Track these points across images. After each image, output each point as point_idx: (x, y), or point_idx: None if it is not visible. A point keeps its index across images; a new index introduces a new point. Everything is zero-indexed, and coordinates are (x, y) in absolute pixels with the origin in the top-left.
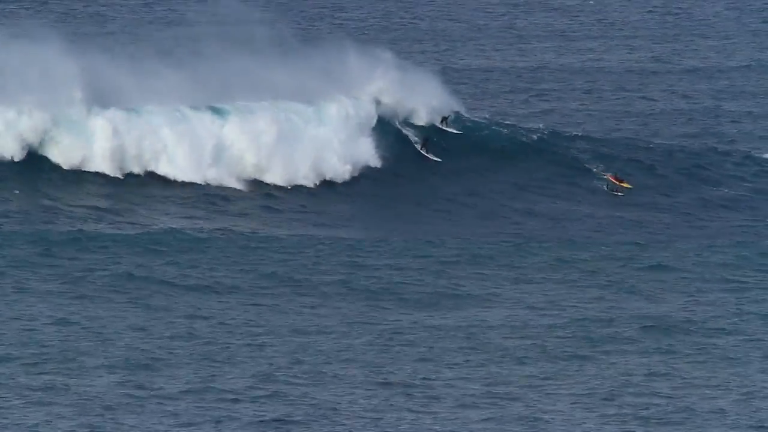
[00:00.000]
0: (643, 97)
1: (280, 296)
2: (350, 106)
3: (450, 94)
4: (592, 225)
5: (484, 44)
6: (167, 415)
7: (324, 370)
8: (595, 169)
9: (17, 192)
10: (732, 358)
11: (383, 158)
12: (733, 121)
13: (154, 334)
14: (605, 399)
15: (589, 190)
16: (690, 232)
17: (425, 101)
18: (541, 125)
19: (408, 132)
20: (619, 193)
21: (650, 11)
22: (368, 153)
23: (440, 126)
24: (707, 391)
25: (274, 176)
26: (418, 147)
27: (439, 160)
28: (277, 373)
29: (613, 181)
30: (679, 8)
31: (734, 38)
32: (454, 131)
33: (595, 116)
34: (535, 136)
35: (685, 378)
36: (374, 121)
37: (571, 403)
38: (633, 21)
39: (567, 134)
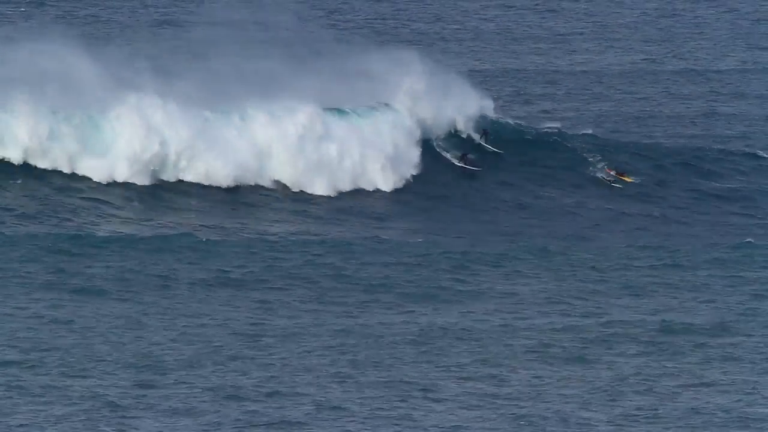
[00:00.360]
0: (640, 99)
1: (282, 295)
2: (382, 114)
3: (483, 96)
4: (592, 224)
5: (477, 47)
6: (168, 414)
7: (324, 370)
8: (591, 158)
9: (19, 181)
10: (734, 358)
11: (408, 161)
12: (731, 122)
13: (156, 334)
14: (604, 399)
15: (589, 190)
16: (690, 231)
17: (460, 108)
18: (538, 125)
19: (442, 143)
20: (617, 185)
21: (644, 13)
22: (398, 159)
23: (480, 142)
24: (707, 391)
25: (307, 181)
26: (456, 161)
27: (479, 168)
28: (277, 374)
29: (611, 173)
30: (675, 10)
31: (730, 40)
32: (495, 150)
33: (589, 117)
34: (534, 134)
35: (685, 378)
36: (407, 129)
37: (571, 404)
38: (627, 23)
39: (564, 133)
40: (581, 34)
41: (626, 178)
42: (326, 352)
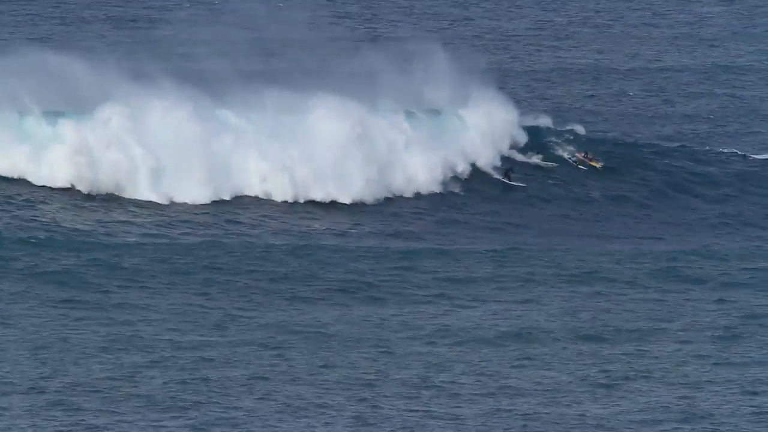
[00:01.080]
0: (620, 97)
1: (273, 299)
2: (411, 119)
3: (510, 102)
4: (580, 224)
5: (467, 46)
6: (140, 410)
7: (320, 371)
8: (560, 142)
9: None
10: (731, 358)
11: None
12: (710, 121)
13: (143, 338)
14: (598, 402)
15: (557, 180)
16: (649, 225)
17: (488, 116)
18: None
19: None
20: (583, 168)
21: (633, 10)
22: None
23: (504, 180)
24: (702, 391)
25: (329, 186)
26: (501, 177)
27: (524, 185)
28: (270, 373)
29: (582, 158)
30: (620, 9)
31: (686, 39)
32: (519, 184)
33: (573, 115)
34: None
35: (683, 378)
36: (437, 136)
37: (566, 404)
38: (610, 21)
39: (540, 127)
40: (566, 32)
41: (594, 163)
42: (323, 354)
